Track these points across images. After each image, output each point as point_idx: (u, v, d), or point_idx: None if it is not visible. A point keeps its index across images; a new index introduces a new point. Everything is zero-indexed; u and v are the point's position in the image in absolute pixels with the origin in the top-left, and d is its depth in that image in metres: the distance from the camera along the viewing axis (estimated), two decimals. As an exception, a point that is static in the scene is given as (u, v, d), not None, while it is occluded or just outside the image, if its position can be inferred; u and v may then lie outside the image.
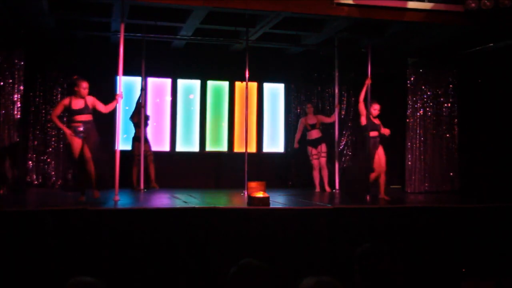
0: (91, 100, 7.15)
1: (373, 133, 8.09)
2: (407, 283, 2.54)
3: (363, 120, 8.13)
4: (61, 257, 5.33)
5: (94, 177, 7.08)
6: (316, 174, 9.43)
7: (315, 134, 9.48)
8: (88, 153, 7.00)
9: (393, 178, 9.53)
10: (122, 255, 5.58)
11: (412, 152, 9.77)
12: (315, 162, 9.40)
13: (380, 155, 8.09)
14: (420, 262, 6.15)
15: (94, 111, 7.20)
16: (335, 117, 9.79)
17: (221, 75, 10.56)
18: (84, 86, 7.08)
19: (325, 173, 9.42)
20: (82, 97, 7.08)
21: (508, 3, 7.41)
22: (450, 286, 6.12)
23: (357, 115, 10.63)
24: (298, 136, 9.64)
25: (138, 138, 9.22)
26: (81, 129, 7.03)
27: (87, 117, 7.08)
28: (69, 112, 7.13)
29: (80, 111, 7.05)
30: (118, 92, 7.26)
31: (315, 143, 9.44)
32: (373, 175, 7.98)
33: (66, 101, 7.16)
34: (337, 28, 8.90)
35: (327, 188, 9.37)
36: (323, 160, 9.39)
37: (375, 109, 8.15)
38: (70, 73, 9.47)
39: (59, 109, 7.20)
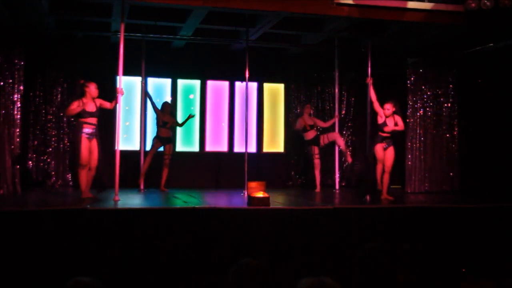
0: (98, 102, 7.32)
1: (383, 133, 8.12)
2: (407, 283, 2.54)
3: (379, 119, 8.19)
4: (61, 257, 5.33)
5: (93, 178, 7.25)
6: (317, 173, 9.45)
7: (312, 134, 9.51)
8: (95, 154, 7.16)
9: (393, 178, 9.52)
10: (122, 255, 5.57)
11: (412, 152, 9.76)
12: (317, 162, 9.42)
13: (387, 156, 8.14)
14: (420, 262, 6.14)
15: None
16: (330, 123, 9.90)
17: (221, 75, 10.55)
18: (94, 88, 7.25)
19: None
20: (92, 99, 7.23)
21: (508, 3, 7.40)
22: (450, 286, 6.12)
23: (357, 114, 10.68)
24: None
25: (164, 139, 9.15)
26: (93, 131, 7.17)
27: (96, 120, 7.25)
28: (81, 115, 7.15)
29: (93, 114, 7.19)
30: (118, 87, 7.28)
31: (314, 142, 9.47)
32: (378, 172, 8.17)
33: (79, 103, 7.13)
34: (337, 28, 8.90)
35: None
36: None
37: (387, 109, 8.18)
38: (70, 73, 9.52)
39: (75, 110, 7.13)
